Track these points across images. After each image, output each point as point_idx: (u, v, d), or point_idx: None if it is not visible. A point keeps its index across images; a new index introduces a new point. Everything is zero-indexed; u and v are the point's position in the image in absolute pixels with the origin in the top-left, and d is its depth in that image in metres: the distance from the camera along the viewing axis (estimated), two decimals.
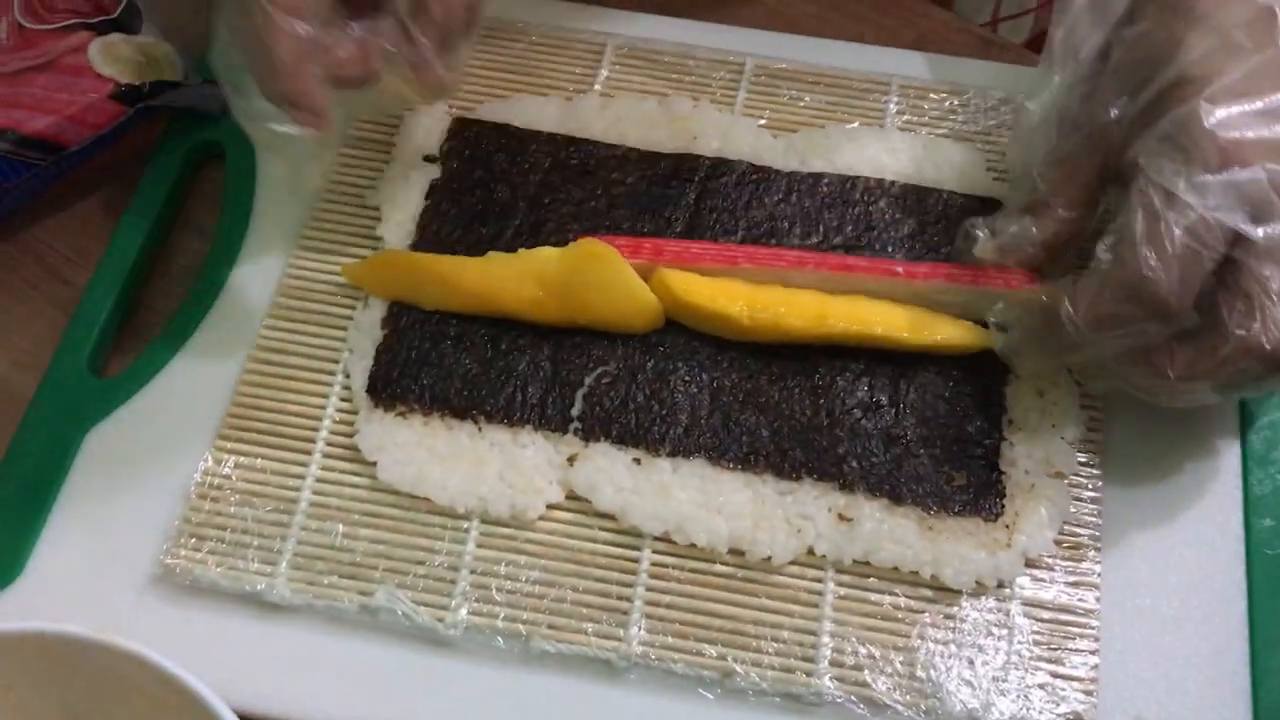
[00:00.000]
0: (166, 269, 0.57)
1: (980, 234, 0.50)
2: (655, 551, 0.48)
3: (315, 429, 0.51)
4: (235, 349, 0.53)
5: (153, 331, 0.54)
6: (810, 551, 0.48)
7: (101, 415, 0.51)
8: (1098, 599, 0.48)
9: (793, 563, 0.48)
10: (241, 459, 0.50)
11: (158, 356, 0.53)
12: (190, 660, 0.46)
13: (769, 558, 0.48)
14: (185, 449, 0.51)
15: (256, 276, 0.55)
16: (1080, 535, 0.49)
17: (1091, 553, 0.48)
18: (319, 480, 0.50)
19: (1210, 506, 0.50)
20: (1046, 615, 0.47)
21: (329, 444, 0.51)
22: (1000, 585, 0.47)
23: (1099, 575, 0.48)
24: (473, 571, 0.48)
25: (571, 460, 0.50)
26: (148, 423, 0.51)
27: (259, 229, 0.56)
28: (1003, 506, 0.48)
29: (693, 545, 0.48)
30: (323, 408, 0.51)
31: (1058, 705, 0.45)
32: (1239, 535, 0.49)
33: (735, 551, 0.48)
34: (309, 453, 0.50)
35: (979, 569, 0.47)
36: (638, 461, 0.49)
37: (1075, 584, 0.48)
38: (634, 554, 0.48)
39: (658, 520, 0.48)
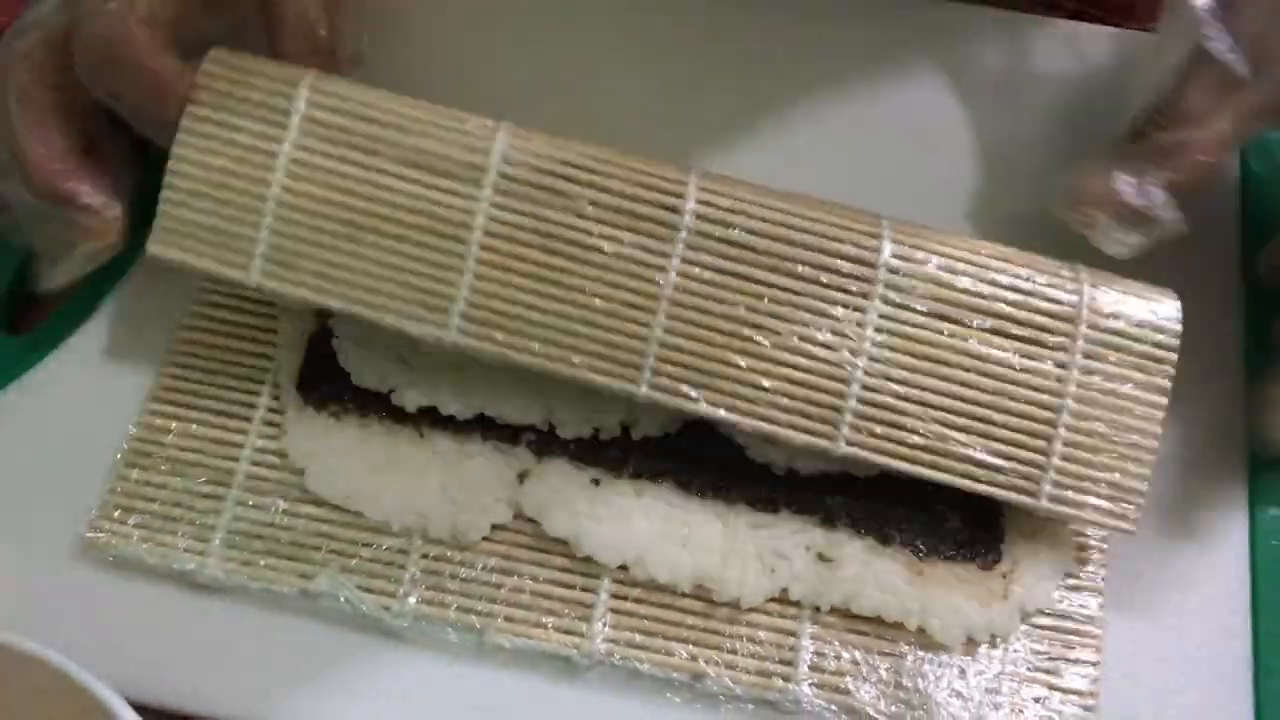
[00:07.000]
0: None
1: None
2: (615, 581, 0.44)
3: (256, 393, 0.46)
4: (169, 300, 0.48)
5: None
6: (784, 594, 0.44)
7: (16, 375, 0.47)
8: (1101, 605, 0.44)
9: (766, 603, 0.44)
10: (175, 424, 0.46)
11: (79, 309, 0.48)
12: (113, 647, 0.43)
13: (737, 600, 0.43)
14: (111, 411, 0.46)
15: None
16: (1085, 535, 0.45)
17: (1095, 554, 0.45)
18: (259, 450, 0.45)
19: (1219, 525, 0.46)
20: (1045, 622, 0.44)
21: (270, 410, 0.46)
22: (993, 641, 0.43)
23: (1103, 579, 0.44)
24: (424, 556, 0.44)
25: (522, 477, 0.45)
26: (68, 383, 0.47)
27: None
28: (1000, 552, 0.44)
29: (653, 580, 0.44)
30: (265, 369, 0.47)
31: None
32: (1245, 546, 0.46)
33: (701, 588, 0.44)
34: (249, 419, 0.46)
35: (970, 622, 0.43)
36: (596, 482, 0.45)
37: (1076, 588, 0.44)
38: (592, 583, 0.44)
39: (615, 551, 0.44)
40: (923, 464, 0.42)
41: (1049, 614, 0.44)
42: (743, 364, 0.42)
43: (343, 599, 0.43)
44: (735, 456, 0.45)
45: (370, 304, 0.43)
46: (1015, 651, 0.43)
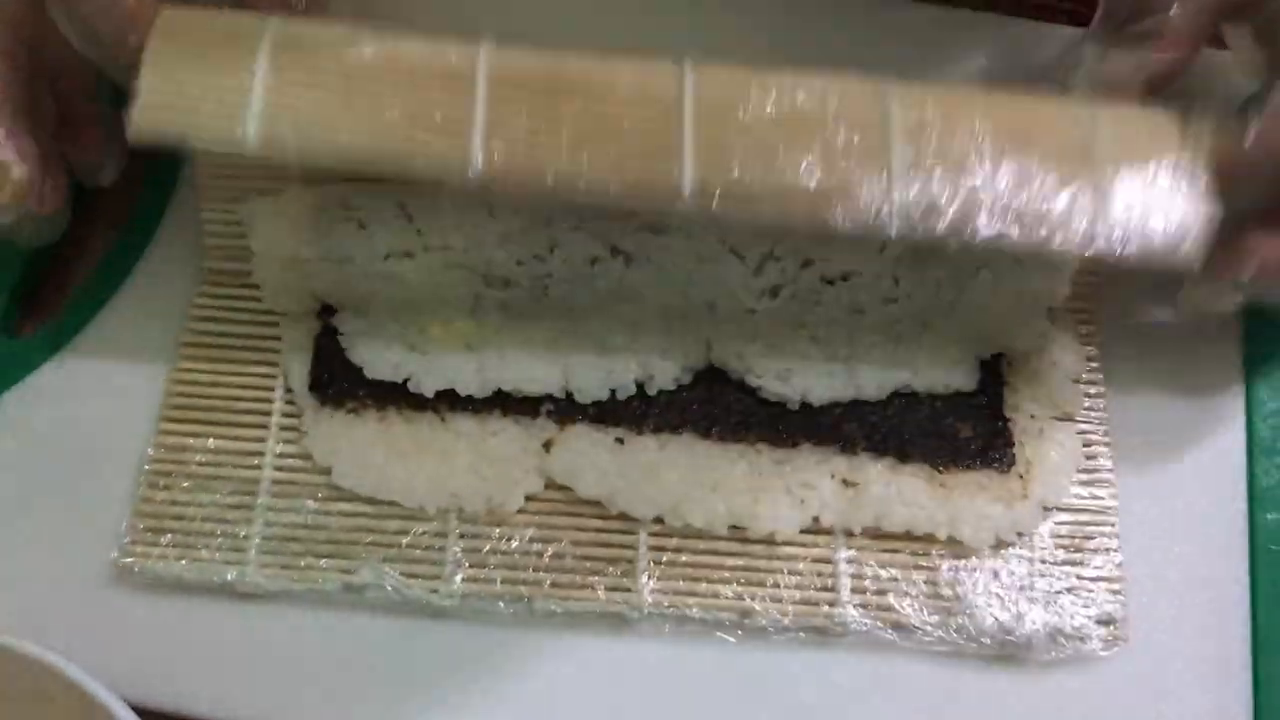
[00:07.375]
0: None
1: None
2: (652, 534, 0.45)
3: (268, 400, 0.47)
4: (170, 301, 0.48)
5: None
6: (816, 522, 0.45)
7: (19, 378, 0.46)
8: (1114, 495, 0.46)
9: (800, 534, 0.45)
10: (192, 440, 0.46)
11: (82, 311, 0.48)
12: (163, 666, 0.43)
13: (772, 534, 0.45)
14: (114, 413, 0.46)
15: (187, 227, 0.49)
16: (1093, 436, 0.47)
17: (1103, 449, 0.47)
18: (280, 455, 0.46)
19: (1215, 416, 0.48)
20: (1064, 518, 0.46)
21: (286, 415, 0.46)
22: (1020, 540, 0.45)
23: (1111, 471, 0.46)
24: (462, 535, 0.44)
25: (548, 445, 0.46)
26: (70, 385, 0.47)
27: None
28: (1014, 456, 0.46)
29: (689, 526, 0.45)
30: (273, 376, 0.47)
31: (1088, 607, 0.44)
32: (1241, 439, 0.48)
33: (736, 528, 0.45)
34: (265, 426, 0.46)
35: (997, 524, 0.45)
36: (620, 441, 0.46)
37: (1088, 482, 0.46)
38: (630, 539, 0.45)
39: (648, 504, 0.45)
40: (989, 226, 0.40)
41: (1066, 510, 0.46)
42: (782, 166, 0.40)
43: (389, 588, 0.43)
44: (749, 398, 0.46)
45: (386, 155, 0.40)
46: (1041, 550, 0.45)
